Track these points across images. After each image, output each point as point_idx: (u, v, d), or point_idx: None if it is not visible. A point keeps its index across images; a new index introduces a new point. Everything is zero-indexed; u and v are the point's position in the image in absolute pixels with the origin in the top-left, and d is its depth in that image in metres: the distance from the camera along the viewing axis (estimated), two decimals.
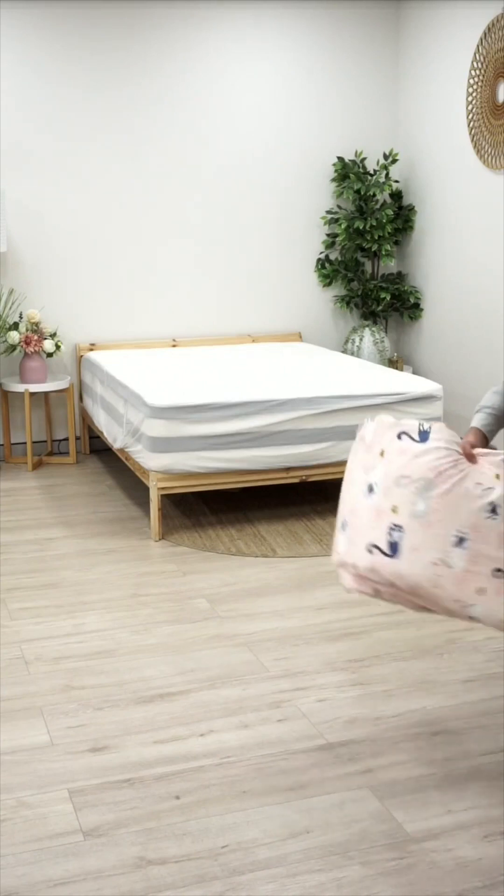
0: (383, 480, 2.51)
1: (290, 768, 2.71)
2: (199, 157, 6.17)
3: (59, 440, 6.23)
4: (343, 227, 6.27)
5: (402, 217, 6.41)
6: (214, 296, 6.36)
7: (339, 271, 6.43)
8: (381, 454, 2.57)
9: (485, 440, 2.70)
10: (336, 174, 6.35)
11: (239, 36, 6.10)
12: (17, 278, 5.97)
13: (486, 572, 2.44)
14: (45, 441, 6.20)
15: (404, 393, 4.73)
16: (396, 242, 6.52)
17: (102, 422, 5.41)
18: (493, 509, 2.45)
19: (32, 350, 5.76)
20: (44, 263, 6.00)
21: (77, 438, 6.26)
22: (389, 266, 6.63)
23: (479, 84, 5.59)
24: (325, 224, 6.40)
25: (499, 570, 2.45)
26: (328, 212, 6.40)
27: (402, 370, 6.34)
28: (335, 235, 6.42)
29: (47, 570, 4.20)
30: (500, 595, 2.44)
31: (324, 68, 6.31)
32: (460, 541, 2.45)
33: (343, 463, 4.72)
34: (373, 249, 6.34)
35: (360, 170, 6.32)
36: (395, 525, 2.47)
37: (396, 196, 6.44)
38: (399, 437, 2.55)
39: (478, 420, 2.74)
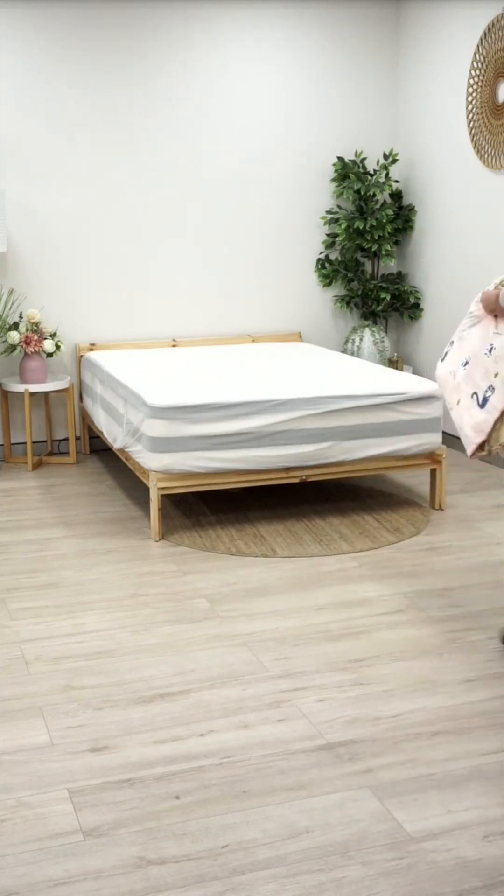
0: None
1: (290, 768, 2.71)
2: (198, 157, 6.17)
3: (59, 440, 6.23)
4: (343, 227, 6.27)
5: (402, 217, 6.41)
6: (214, 296, 6.36)
7: (339, 271, 6.43)
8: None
9: None
10: (336, 174, 6.35)
11: (239, 36, 6.11)
12: (17, 278, 5.98)
13: (467, 391, 3.22)
14: (45, 441, 6.20)
15: (404, 393, 4.73)
16: (396, 242, 6.52)
17: (102, 422, 5.41)
18: (490, 350, 3.17)
19: (32, 350, 5.77)
20: (44, 263, 6.01)
21: (77, 438, 6.26)
22: (389, 266, 6.63)
23: (479, 84, 5.59)
24: (325, 224, 6.40)
25: (474, 393, 3.21)
26: (328, 212, 6.40)
27: (402, 370, 6.34)
28: (335, 235, 6.42)
29: (47, 570, 4.20)
30: (467, 410, 3.24)
31: (324, 68, 6.31)
32: (465, 363, 3.26)
33: (343, 463, 4.72)
34: (373, 249, 6.34)
35: (360, 170, 6.32)
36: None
37: (396, 196, 6.44)
38: None
39: None
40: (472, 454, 3.24)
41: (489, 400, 3.14)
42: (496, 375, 3.13)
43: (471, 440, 3.22)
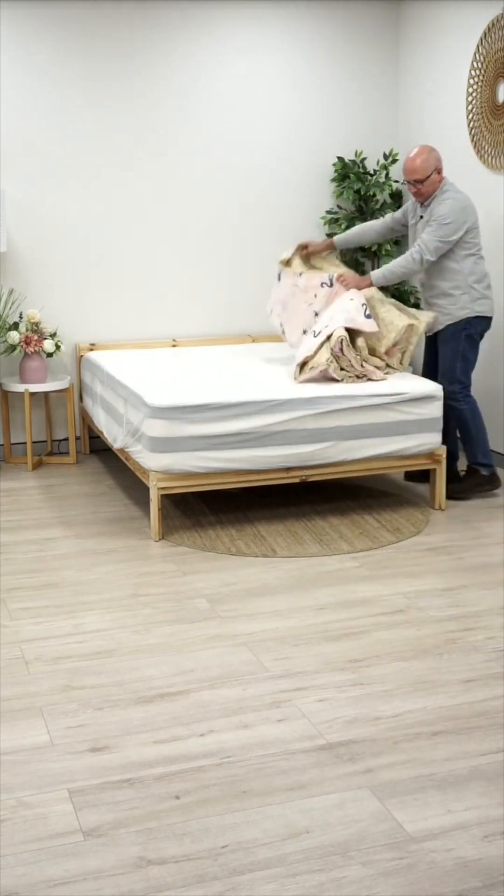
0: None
1: (290, 768, 2.71)
2: (199, 158, 6.17)
3: (59, 440, 6.23)
4: (343, 227, 6.27)
5: None
6: (214, 296, 6.36)
7: None
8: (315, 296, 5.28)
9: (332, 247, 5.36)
10: (336, 174, 6.35)
11: (239, 36, 6.10)
12: (17, 278, 5.98)
13: (302, 329, 5.33)
14: (45, 441, 6.20)
15: (404, 393, 4.73)
16: (396, 242, 6.52)
17: (102, 422, 5.41)
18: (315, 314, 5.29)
19: (32, 350, 5.76)
20: (44, 263, 6.01)
21: (77, 438, 6.26)
22: None
23: (479, 84, 5.59)
24: (325, 224, 6.40)
25: (305, 331, 5.26)
26: (328, 212, 6.40)
27: None
28: (335, 235, 6.42)
29: (47, 570, 4.20)
30: (303, 343, 5.04)
31: (324, 68, 6.31)
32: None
33: (343, 463, 4.72)
34: (373, 249, 6.33)
35: (360, 170, 6.32)
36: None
37: (396, 196, 6.43)
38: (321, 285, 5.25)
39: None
40: (300, 374, 4.83)
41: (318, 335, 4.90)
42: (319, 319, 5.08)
43: (303, 355, 4.84)
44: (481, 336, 5.03)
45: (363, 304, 4.91)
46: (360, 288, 4.98)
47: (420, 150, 4.90)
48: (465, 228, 4.86)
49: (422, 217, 5.02)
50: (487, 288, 4.98)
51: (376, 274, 4.96)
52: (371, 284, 4.97)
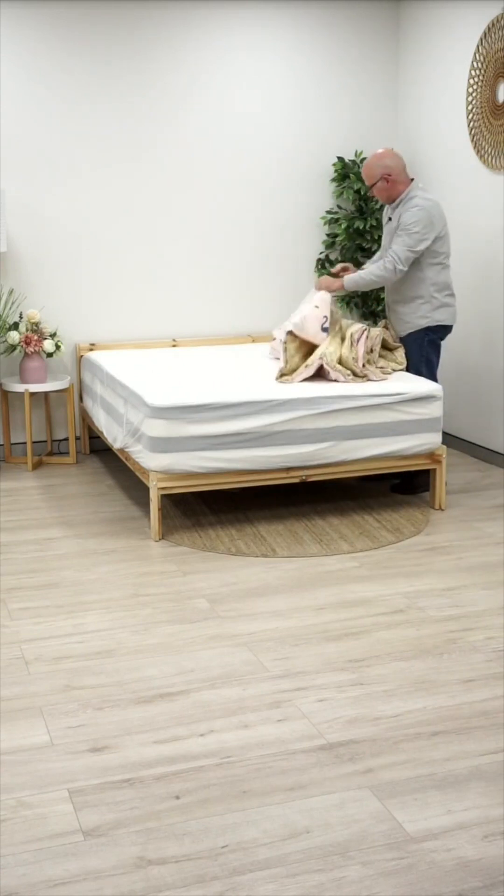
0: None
1: (290, 768, 2.71)
2: (198, 157, 6.17)
3: (59, 440, 6.23)
4: (343, 227, 6.27)
5: None
6: (214, 296, 6.36)
7: None
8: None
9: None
10: (336, 174, 6.35)
11: (239, 36, 6.10)
12: (17, 278, 5.97)
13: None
14: (45, 441, 6.20)
15: (404, 393, 4.73)
16: None
17: (102, 422, 5.41)
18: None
19: (32, 350, 5.76)
20: (44, 263, 6.00)
21: (77, 438, 6.26)
22: None
23: (479, 84, 5.59)
24: (325, 224, 6.40)
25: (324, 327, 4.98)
26: (328, 212, 6.40)
27: None
28: (335, 235, 6.42)
29: (47, 570, 4.20)
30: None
31: (324, 68, 6.31)
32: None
33: (343, 463, 4.72)
34: (373, 249, 6.33)
35: (360, 170, 6.32)
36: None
37: None
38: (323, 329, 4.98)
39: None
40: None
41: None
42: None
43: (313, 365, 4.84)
44: (442, 339, 5.13)
45: (325, 317, 4.93)
46: (331, 290, 5.02)
47: (372, 156, 4.98)
48: (433, 237, 4.90)
49: (390, 219, 5.09)
50: (449, 296, 5.03)
51: (349, 279, 5.01)
52: (342, 288, 5.00)
